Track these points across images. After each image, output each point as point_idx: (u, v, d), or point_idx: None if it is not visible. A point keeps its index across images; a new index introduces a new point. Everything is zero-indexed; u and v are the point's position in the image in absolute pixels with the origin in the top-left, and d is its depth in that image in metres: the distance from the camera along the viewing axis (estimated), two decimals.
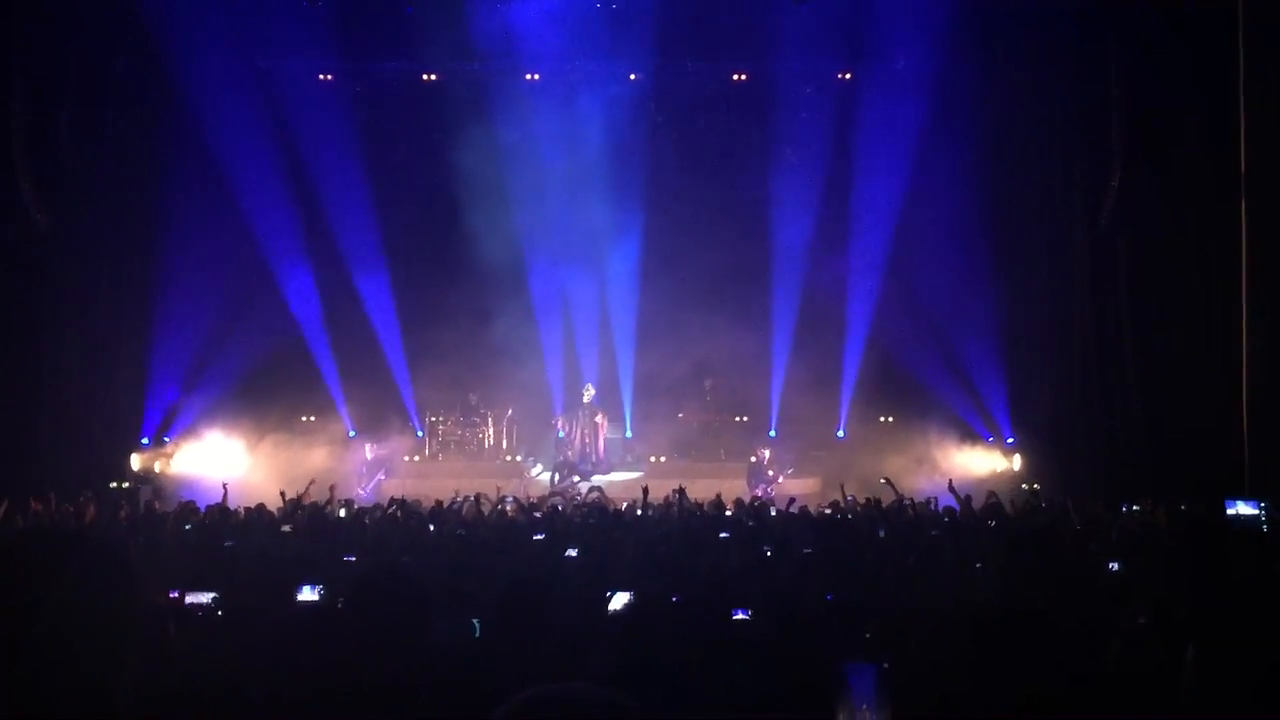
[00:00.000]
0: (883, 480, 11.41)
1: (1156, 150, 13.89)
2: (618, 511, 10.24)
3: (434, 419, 17.65)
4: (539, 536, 7.92)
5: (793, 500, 11.21)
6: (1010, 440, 16.03)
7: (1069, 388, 15.15)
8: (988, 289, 15.93)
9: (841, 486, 12.34)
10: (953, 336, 16.03)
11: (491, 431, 17.72)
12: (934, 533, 8.61)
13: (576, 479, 15.79)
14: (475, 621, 3.95)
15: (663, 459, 16.97)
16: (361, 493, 15.09)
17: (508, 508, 10.66)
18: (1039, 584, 3.79)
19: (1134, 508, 10.62)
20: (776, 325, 17.27)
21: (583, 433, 17.05)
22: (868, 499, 10.98)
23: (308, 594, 5.77)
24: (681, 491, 10.82)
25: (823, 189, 16.71)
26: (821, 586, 5.74)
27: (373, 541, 8.48)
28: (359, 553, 7.81)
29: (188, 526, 9.70)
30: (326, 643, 2.38)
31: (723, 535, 8.33)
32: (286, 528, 9.31)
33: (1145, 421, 13.98)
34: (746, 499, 12.76)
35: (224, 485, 10.95)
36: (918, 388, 16.45)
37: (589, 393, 17.22)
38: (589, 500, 11.76)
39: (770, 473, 16.16)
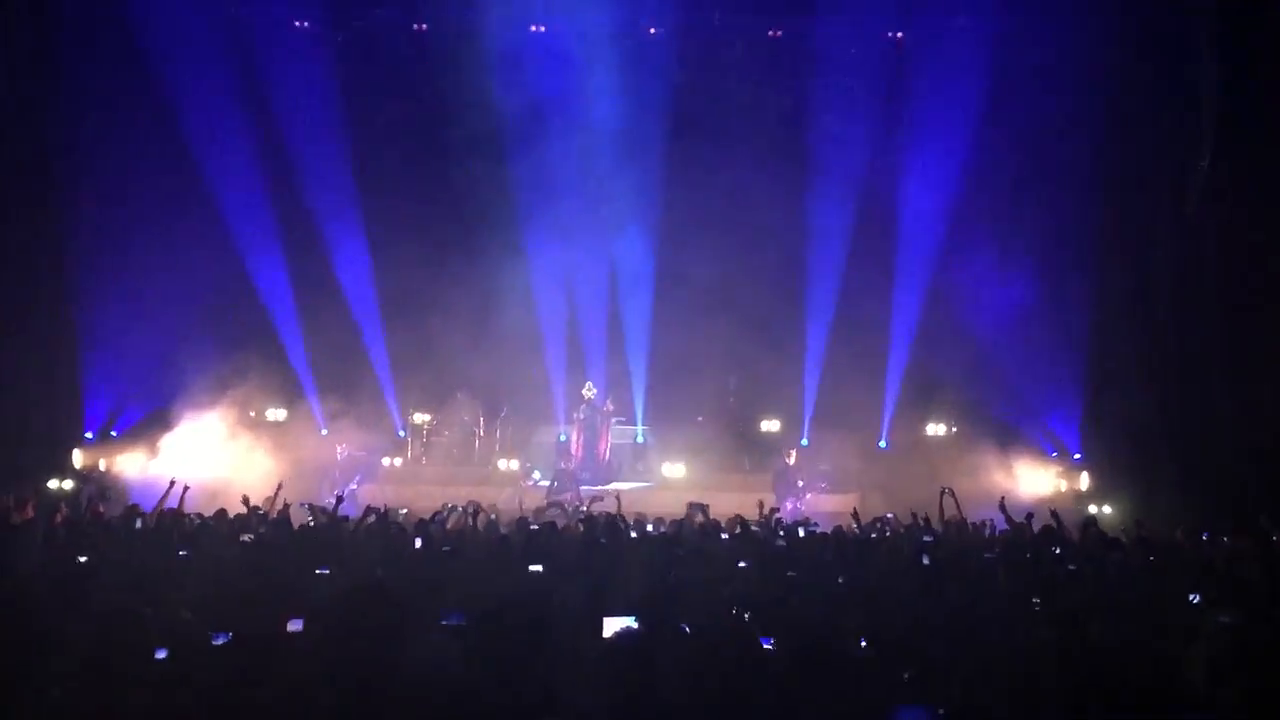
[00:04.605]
0: (944, 490, 11.14)
1: (1248, 139, 13.77)
2: (614, 523, 10.03)
3: (418, 417, 17.72)
4: (535, 568, 7.89)
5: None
6: (1077, 457, 15.96)
7: (1148, 400, 15.05)
8: (1055, 283, 15.81)
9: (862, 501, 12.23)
10: (1012, 336, 15.90)
11: (483, 433, 17.76)
12: (986, 556, 8.60)
13: (569, 494, 15.40)
14: None
15: (678, 468, 16.91)
16: (334, 499, 15.12)
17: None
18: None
19: (1223, 538, 10.56)
20: (810, 318, 17.21)
21: (585, 436, 17.00)
22: (910, 514, 10.96)
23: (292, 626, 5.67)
24: (704, 508, 10.88)
25: (867, 163, 16.59)
26: (855, 622, 5.73)
27: (349, 554, 8.52)
28: (332, 566, 7.87)
29: (138, 524, 9.83)
30: (293, 667, 2.39)
31: (741, 565, 8.32)
32: (247, 537, 9.37)
33: (1233, 440, 13.89)
34: (774, 510, 12.69)
35: (185, 486, 10.98)
36: (970, 394, 16.38)
37: (589, 391, 17.18)
38: (593, 513, 11.73)
39: (799, 483, 16.12)
